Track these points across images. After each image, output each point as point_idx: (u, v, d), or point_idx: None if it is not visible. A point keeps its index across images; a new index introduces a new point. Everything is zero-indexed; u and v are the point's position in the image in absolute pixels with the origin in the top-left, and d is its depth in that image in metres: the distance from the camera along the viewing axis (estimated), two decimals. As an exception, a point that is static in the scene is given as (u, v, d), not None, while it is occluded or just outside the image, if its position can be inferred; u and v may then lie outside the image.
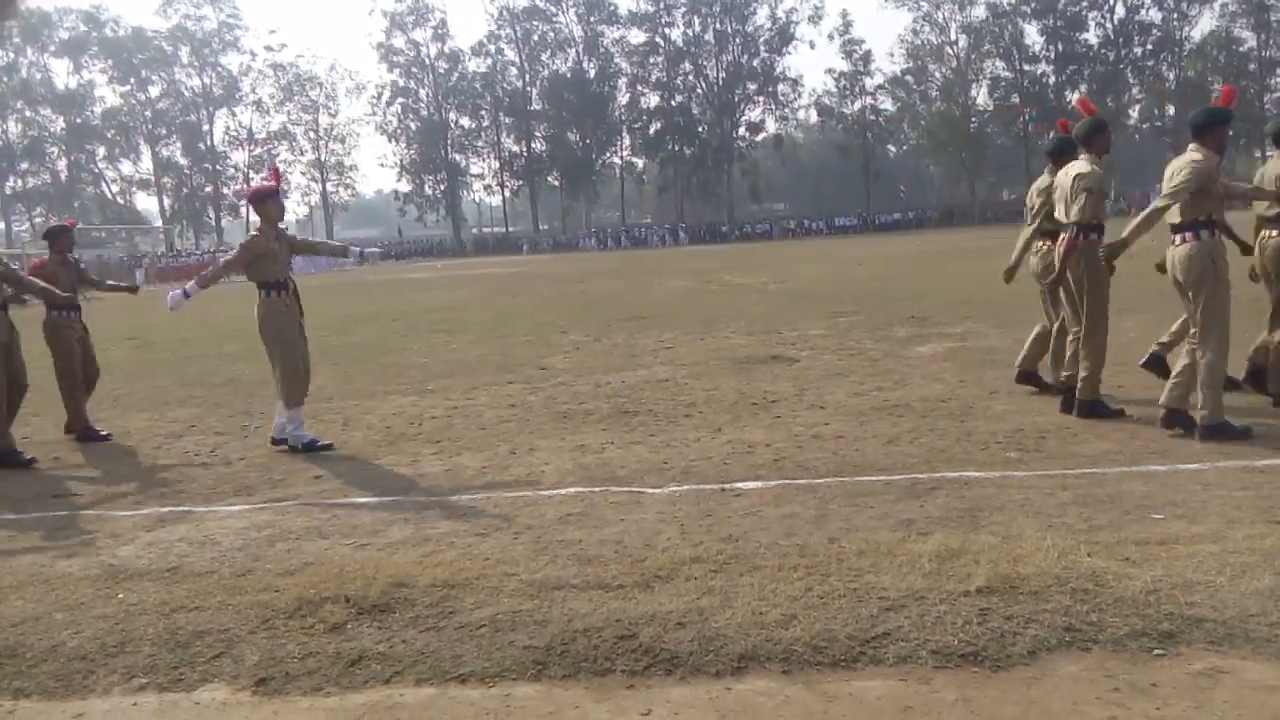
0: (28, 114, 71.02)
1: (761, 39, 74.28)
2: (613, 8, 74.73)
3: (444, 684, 3.06)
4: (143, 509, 5.51)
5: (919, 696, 2.79)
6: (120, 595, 4.01)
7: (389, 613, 3.59)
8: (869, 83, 72.86)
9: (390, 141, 76.30)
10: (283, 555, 4.47)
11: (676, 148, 74.44)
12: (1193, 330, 5.78)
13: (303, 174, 76.11)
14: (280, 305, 6.68)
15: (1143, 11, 67.72)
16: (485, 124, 76.54)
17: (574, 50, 75.87)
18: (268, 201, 6.76)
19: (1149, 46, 68.32)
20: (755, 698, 2.85)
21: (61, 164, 72.41)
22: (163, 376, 7.15)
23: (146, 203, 78.35)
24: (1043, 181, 7.07)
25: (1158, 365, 6.80)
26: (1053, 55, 69.32)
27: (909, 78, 72.27)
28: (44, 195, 70.66)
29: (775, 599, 3.47)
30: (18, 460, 6.81)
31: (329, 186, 76.01)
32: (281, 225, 6.92)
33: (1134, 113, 72.99)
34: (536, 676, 3.06)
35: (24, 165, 71.37)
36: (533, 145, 75.99)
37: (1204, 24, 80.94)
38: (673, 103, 74.59)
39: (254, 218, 7.48)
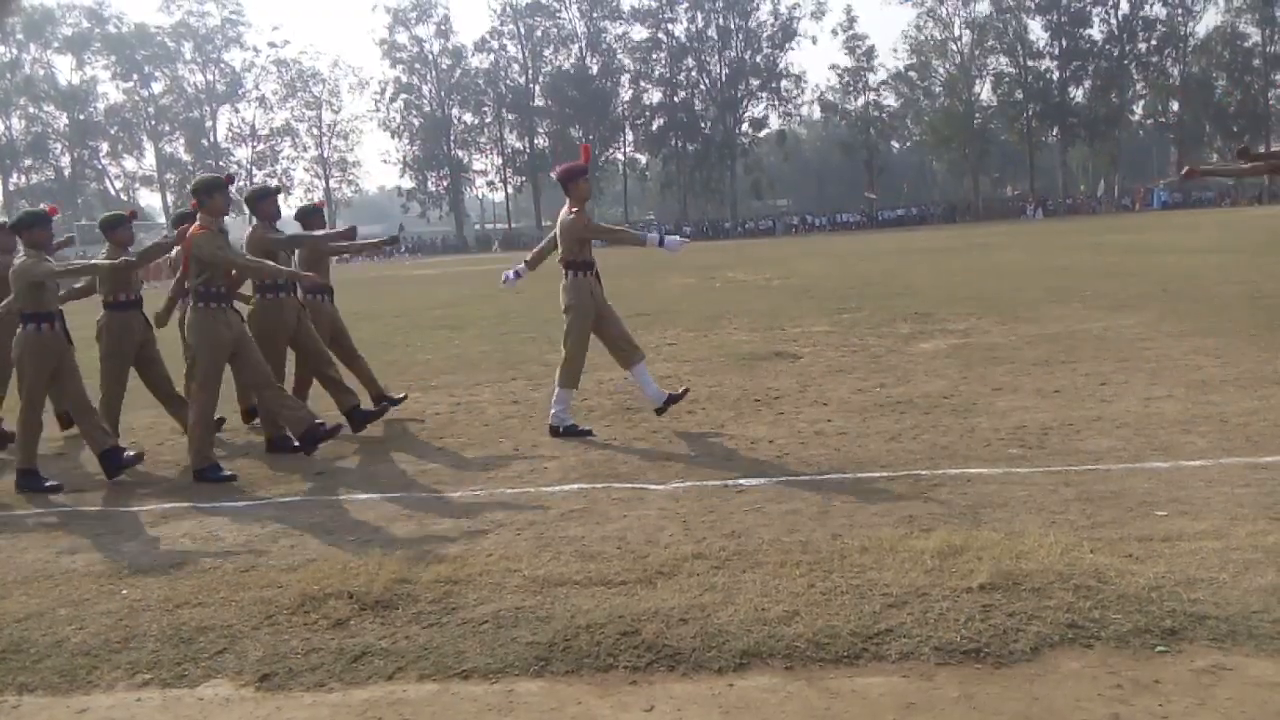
0: (31, 110, 71.03)
1: (764, 35, 74.11)
2: (615, 4, 74.61)
3: (447, 680, 3.07)
4: (146, 505, 5.52)
5: (921, 693, 2.79)
6: (124, 591, 4.02)
7: (392, 609, 3.60)
8: (872, 78, 72.77)
9: (393, 138, 76.32)
10: (286, 551, 4.48)
11: (680, 144, 74.36)
12: None
13: (306, 170, 76.16)
14: (587, 284, 6.54)
15: (1147, 7, 67.52)
16: (488, 120, 76.47)
17: (577, 46, 75.76)
18: (579, 181, 6.56)
19: (1153, 42, 68.04)
20: (757, 694, 2.85)
21: (65, 160, 72.43)
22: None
23: (149, 199, 78.40)
24: None
25: None
26: (1056, 51, 69.10)
27: (912, 73, 72.10)
28: (48, 192, 70.56)
29: (778, 595, 3.47)
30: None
31: (332, 183, 76.01)
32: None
33: (1138, 109, 72.83)
34: (539, 672, 3.07)
35: (27, 162, 71.42)
36: (535, 141, 75.93)
37: (1208, 19, 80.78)
38: (676, 99, 74.49)
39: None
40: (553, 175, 6.94)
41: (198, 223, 6.22)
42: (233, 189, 6.39)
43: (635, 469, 5.62)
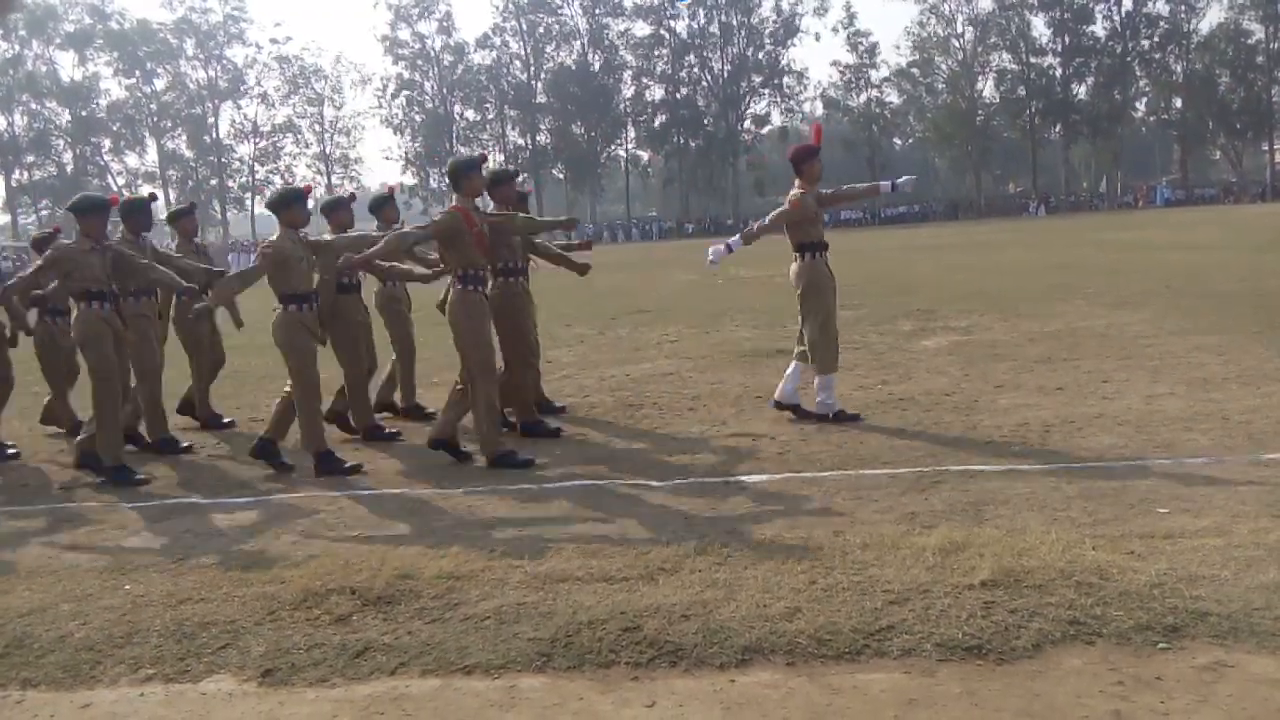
0: (33, 107, 71.03)
1: (767, 31, 73.98)
2: (617, 0, 74.53)
3: (449, 675, 3.07)
4: (149, 501, 5.53)
5: (923, 689, 2.79)
6: (127, 586, 4.02)
7: (394, 604, 3.60)
8: (875, 75, 72.67)
9: (395, 134, 76.24)
10: (288, 547, 4.48)
11: (681, 141, 74.27)
12: None
13: (308, 167, 76.10)
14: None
15: (1150, 4, 67.36)
16: (490, 117, 76.41)
17: (579, 43, 75.67)
18: (811, 161, 6.44)
19: (1156, 39, 67.86)
20: (759, 690, 2.85)
21: (67, 157, 72.39)
22: (170, 368, 7.18)
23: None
24: None
25: None
26: (1059, 48, 68.98)
27: (915, 70, 71.96)
28: (50, 188, 70.61)
29: (779, 592, 3.47)
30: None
31: (334, 179, 75.99)
32: None
33: (1141, 106, 72.69)
34: (541, 668, 3.07)
35: (30, 158, 71.43)
36: (537, 138, 75.89)
37: (1212, 16, 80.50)
38: (678, 96, 74.42)
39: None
40: (787, 157, 6.69)
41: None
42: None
43: (637, 465, 5.62)
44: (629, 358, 9.83)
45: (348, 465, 5.83)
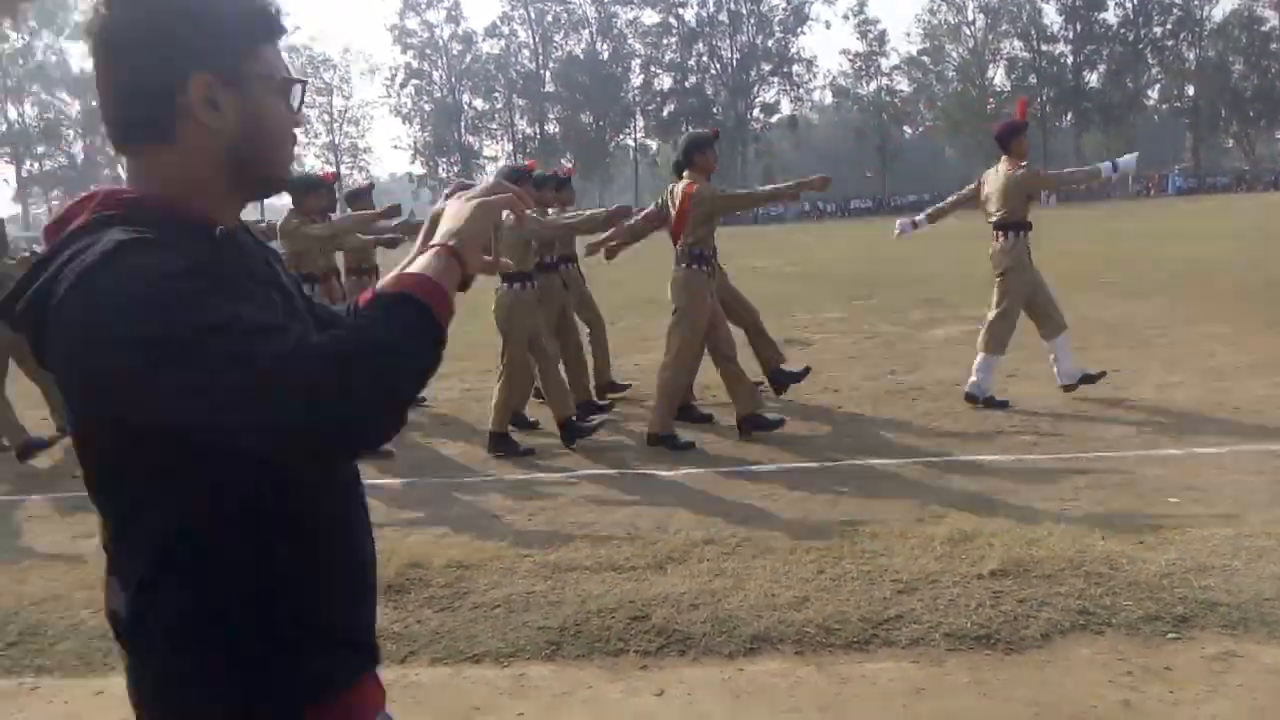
0: (44, 97, 71.28)
1: (776, 19, 73.68)
2: (626, -11, 74.30)
3: (459, 663, 3.09)
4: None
5: (931, 679, 2.79)
6: (139, 575, 4.04)
7: (404, 593, 3.62)
8: (885, 63, 72.32)
9: (404, 124, 76.24)
10: (299, 536, 4.50)
11: (690, 129, 74.05)
12: None
13: (317, 157, 76.18)
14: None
15: (1163, -9, 66.87)
16: (499, 106, 76.34)
17: (587, 31, 75.47)
18: (1020, 137, 6.23)
19: (1169, 26, 67.33)
20: (767, 679, 2.86)
21: (77, 147, 72.69)
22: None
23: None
24: None
25: None
26: (1071, 35, 68.50)
27: (925, 58, 71.58)
28: (61, 178, 70.92)
29: (788, 581, 3.47)
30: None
31: (343, 169, 76.04)
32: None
33: (1153, 94, 72.17)
34: (550, 656, 3.08)
35: (40, 148, 71.67)
36: (546, 127, 75.78)
37: (1225, 3, 79.98)
38: (686, 84, 74.19)
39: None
40: (992, 132, 6.46)
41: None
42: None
43: (646, 455, 5.62)
44: (637, 347, 9.81)
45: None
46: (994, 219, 6.21)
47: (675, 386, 5.78)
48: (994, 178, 6.25)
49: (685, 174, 5.72)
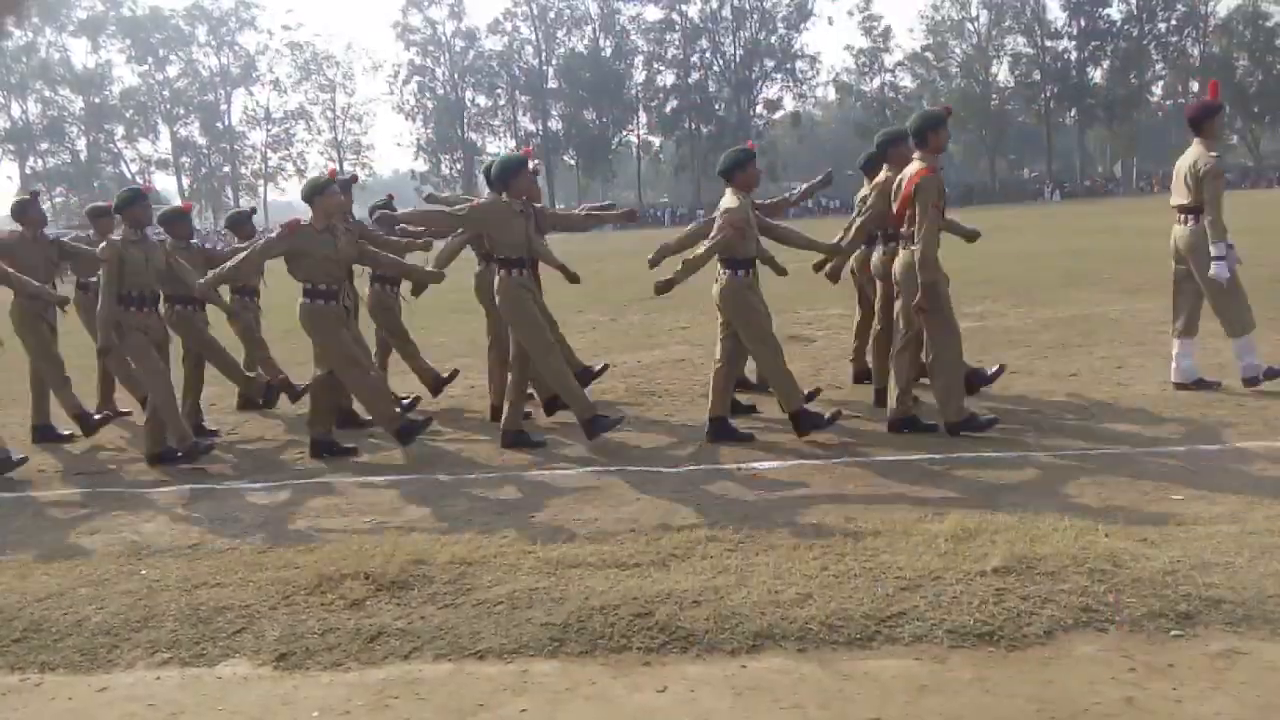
0: (47, 94, 71.30)
1: (779, 15, 73.52)
2: (629, -15, 74.27)
3: (462, 660, 3.09)
4: (165, 486, 5.57)
5: (934, 676, 2.79)
6: (143, 571, 4.06)
7: (408, 589, 3.63)
8: (888, 60, 72.16)
9: (407, 120, 76.35)
10: (303, 533, 4.51)
11: (693, 126, 73.98)
12: None
13: (320, 154, 76.20)
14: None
15: (1167, -15, 66.65)
16: (502, 103, 76.30)
17: (590, 28, 75.39)
18: (1215, 118, 6.00)
19: (1173, 22, 67.12)
20: (770, 676, 2.86)
21: (81, 144, 72.68)
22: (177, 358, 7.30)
23: (165, 182, 78.61)
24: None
25: None
26: (1075, 31, 68.30)
27: (929, 54, 71.40)
28: (64, 175, 70.95)
29: (791, 578, 3.47)
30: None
31: (346, 166, 76.07)
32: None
33: (1157, 90, 71.99)
34: (553, 653, 3.09)
35: (44, 145, 71.73)
36: (549, 124, 75.75)
37: (1229, -1, 79.65)
38: (689, 80, 74.11)
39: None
40: (1185, 115, 6.17)
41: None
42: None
43: (648, 452, 5.63)
44: (641, 344, 9.83)
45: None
46: (1184, 203, 5.96)
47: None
48: (1184, 159, 6.02)
49: (916, 156, 5.78)
